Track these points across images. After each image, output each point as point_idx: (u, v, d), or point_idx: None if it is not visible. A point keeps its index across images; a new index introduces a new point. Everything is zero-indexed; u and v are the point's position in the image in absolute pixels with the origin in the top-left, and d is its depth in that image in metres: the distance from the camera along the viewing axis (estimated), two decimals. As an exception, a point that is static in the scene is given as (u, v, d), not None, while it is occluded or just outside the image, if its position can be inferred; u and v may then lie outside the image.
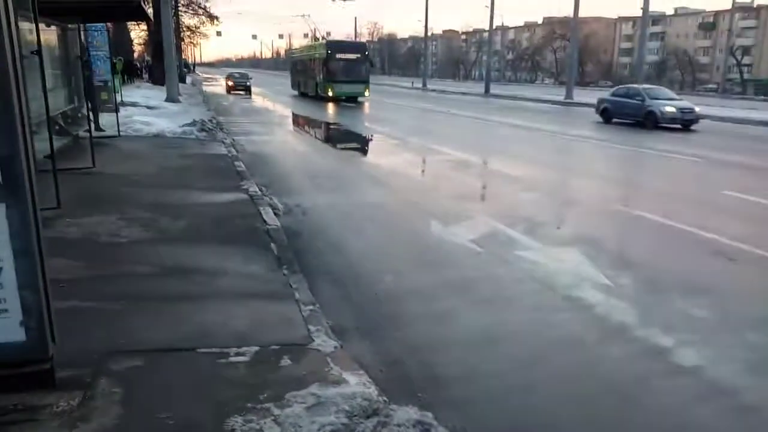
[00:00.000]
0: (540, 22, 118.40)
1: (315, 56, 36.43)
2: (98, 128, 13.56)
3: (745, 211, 8.70)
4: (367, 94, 33.86)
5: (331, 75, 33.01)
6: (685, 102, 22.67)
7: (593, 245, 6.69)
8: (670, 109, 21.25)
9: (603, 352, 4.23)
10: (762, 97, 63.09)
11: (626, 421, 3.42)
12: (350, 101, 32.74)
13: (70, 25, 11.11)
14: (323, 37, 44.91)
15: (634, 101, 22.21)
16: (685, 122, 21.23)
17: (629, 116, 22.49)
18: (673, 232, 7.39)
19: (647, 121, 21.37)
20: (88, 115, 10.47)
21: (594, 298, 5.14)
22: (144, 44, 55.05)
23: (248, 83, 40.93)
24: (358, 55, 34.37)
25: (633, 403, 3.59)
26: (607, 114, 23.55)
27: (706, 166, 13.23)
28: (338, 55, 33.52)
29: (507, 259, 6.20)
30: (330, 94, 32.86)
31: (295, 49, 53.03)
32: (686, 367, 4.02)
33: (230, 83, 42.02)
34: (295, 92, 41.68)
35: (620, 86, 27.18)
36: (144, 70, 51.14)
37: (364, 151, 14.87)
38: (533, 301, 5.15)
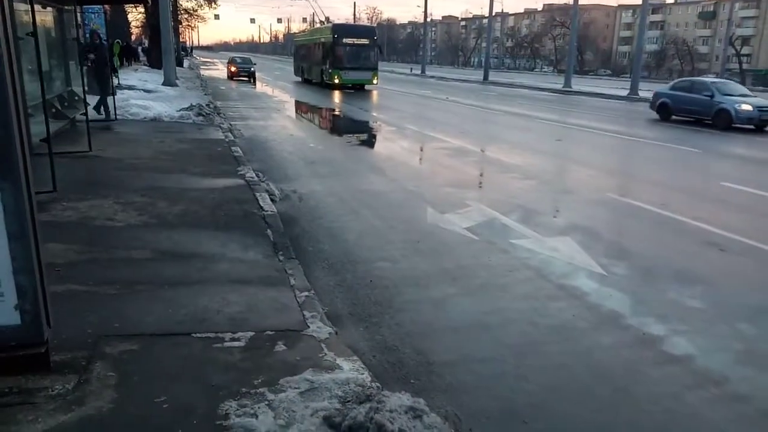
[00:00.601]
0: (540, 9, 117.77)
1: (320, 41, 34.58)
2: (108, 116, 13.48)
3: None
4: (375, 81, 32.23)
5: (337, 61, 31.18)
6: (761, 99, 19.65)
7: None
8: (746, 107, 18.41)
9: (595, 341, 4.27)
10: (761, 87, 63.06)
11: (617, 409, 3.46)
12: (355, 88, 31.68)
13: (66, 7, 11.00)
14: (325, 21, 42.88)
15: (701, 97, 19.41)
16: (761, 122, 18.48)
17: (694, 114, 19.88)
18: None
19: (718, 120, 18.70)
20: (85, 98, 10.38)
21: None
22: (141, 27, 54.57)
23: (252, 69, 37.97)
24: (367, 40, 32.39)
25: (624, 391, 3.62)
26: (666, 110, 20.80)
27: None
28: (345, 40, 31.65)
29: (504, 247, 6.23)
30: (336, 81, 31.19)
31: (299, 33, 51.42)
32: (677, 356, 4.06)
33: (233, 69, 38.96)
34: (298, 78, 40.62)
35: (682, 79, 25.13)
36: (141, 53, 50.76)
37: (361, 138, 14.81)
38: (528, 288, 5.18)
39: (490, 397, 3.50)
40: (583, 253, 6.03)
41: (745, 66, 78.48)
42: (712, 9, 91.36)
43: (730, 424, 3.34)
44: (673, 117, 20.56)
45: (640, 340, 4.28)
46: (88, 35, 15.51)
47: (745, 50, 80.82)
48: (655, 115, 21.42)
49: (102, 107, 13.50)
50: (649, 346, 4.20)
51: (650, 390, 3.64)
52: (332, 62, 31.40)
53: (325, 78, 32.79)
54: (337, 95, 28.06)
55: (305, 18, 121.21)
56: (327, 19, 43.49)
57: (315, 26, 55.52)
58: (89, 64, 13.20)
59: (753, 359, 4.10)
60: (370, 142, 14.31)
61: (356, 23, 41.33)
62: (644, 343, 4.23)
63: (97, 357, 3.41)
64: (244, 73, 37.70)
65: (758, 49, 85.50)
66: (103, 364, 3.33)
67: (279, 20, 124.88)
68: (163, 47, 22.87)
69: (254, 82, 36.27)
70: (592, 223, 7.39)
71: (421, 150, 13.43)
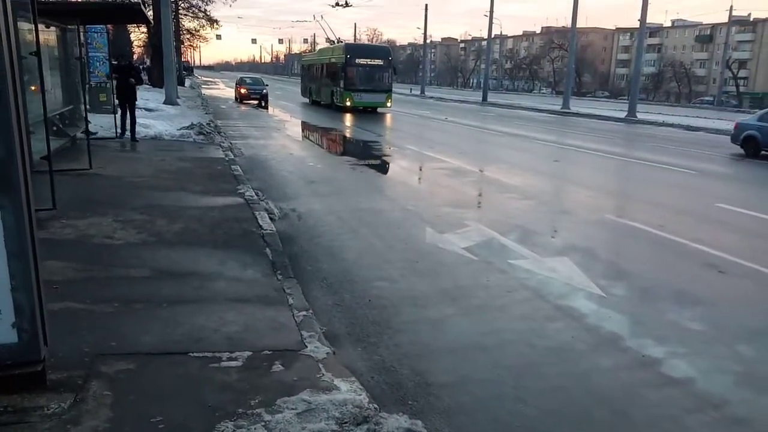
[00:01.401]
0: (538, 31, 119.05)
1: (331, 61, 32.53)
2: (133, 137, 13.65)
3: None
4: (389, 104, 30.58)
5: (349, 82, 29.39)
6: None
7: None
8: None
9: (594, 363, 4.25)
10: (757, 110, 63.54)
11: (614, 431, 3.43)
12: (366, 111, 29.91)
13: (69, 26, 11.12)
14: (335, 41, 39.93)
15: None
16: None
17: None
18: None
19: None
20: (86, 116, 10.45)
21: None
22: (144, 46, 55.05)
23: (264, 90, 32.73)
24: (381, 61, 30.72)
25: (622, 414, 3.60)
26: (754, 145, 17.76)
27: None
28: (359, 60, 29.86)
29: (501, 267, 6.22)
30: (348, 103, 29.20)
31: (306, 52, 50.44)
32: (676, 379, 4.04)
33: (242, 91, 34.10)
34: (306, 100, 38.06)
35: None
36: (143, 72, 51.04)
37: (361, 158, 14.86)
38: (525, 309, 5.17)
39: (489, 420, 3.47)
40: (582, 275, 6.03)
41: (742, 89, 79.21)
42: (708, 32, 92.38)
43: (729, 448, 3.32)
44: (763, 152, 17.70)
45: (639, 362, 4.27)
46: (120, 58, 15.99)
47: (742, 73, 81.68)
48: (735, 149, 18.73)
49: (131, 127, 13.68)
50: (648, 368, 4.18)
51: (649, 413, 3.61)
52: (344, 83, 29.54)
53: (335, 100, 30.97)
54: (341, 117, 27.33)
55: (306, 39, 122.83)
56: (338, 39, 41.23)
57: (318, 47, 54.92)
58: (124, 83, 13.44)
59: (752, 381, 4.08)
60: (369, 162, 14.34)
61: (370, 43, 39.54)
62: (643, 366, 4.21)
63: (93, 376, 3.39)
64: (255, 95, 32.96)
65: (755, 72, 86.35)
66: (99, 383, 3.31)
67: (280, 41, 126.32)
68: (165, 66, 23.08)
69: (266, 106, 31.66)
70: (593, 243, 7.40)
71: (420, 170, 13.48)
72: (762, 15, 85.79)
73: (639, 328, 4.88)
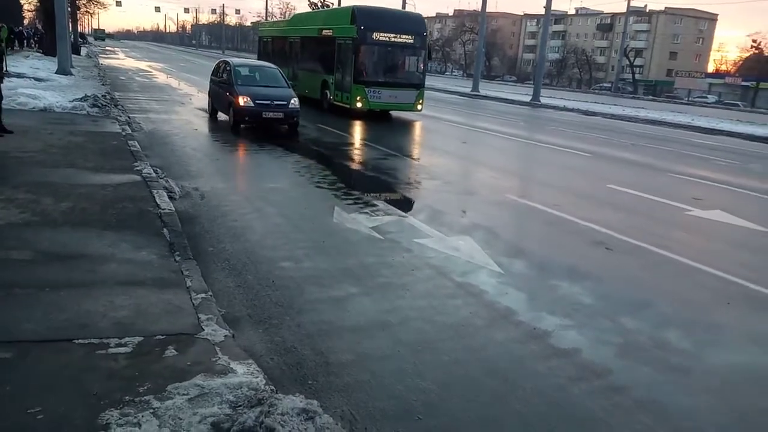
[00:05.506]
0: (451, 14, 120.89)
1: (323, 34, 20.91)
2: None
3: None
4: (419, 107, 19.93)
5: (362, 71, 18.47)
6: None
7: None
8: None
9: (489, 337, 4.42)
10: (650, 97, 68.17)
11: (506, 402, 3.60)
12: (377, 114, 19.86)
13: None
14: (322, 3, 27.42)
15: None
16: None
17: None
18: None
19: None
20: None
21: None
22: (35, 10, 50.80)
23: (293, 103, 14.09)
24: (411, 38, 19.18)
25: (513, 384, 3.78)
26: None
27: None
28: (377, 35, 18.57)
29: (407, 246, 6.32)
30: (359, 105, 18.51)
31: (275, 22, 35.55)
32: (564, 350, 4.28)
33: (242, 102, 13.56)
34: None
35: None
36: (34, 39, 47.28)
37: (269, 135, 14.48)
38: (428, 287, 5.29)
39: (387, 396, 3.53)
40: (483, 252, 6.23)
41: (637, 76, 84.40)
42: (609, 21, 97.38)
43: (608, 414, 3.56)
44: None
45: (530, 335, 4.49)
46: None
47: (638, 61, 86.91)
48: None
49: None
50: (538, 340, 4.40)
51: (537, 382, 3.81)
52: (353, 72, 18.47)
53: (332, 96, 19.90)
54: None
55: (215, 9, 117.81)
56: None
57: (225, 18, 46.65)
58: None
59: (632, 351, 4.39)
60: (278, 141, 14.03)
61: (391, 8, 22.26)
62: (534, 338, 4.43)
63: (-38, 367, 3.13)
64: (273, 113, 13.81)
65: (650, 60, 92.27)
66: (-31, 375, 3.06)
67: (186, 10, 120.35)
68: (58, 33, 21.41)
69: (296, 130, 14.42)
70: (494, 222, 7.66)
71: (334, 150, 13.37)
72: (657, 6, 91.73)
73: (532, 303, 5.13)
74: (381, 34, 18.59)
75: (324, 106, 20.34)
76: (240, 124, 13.99)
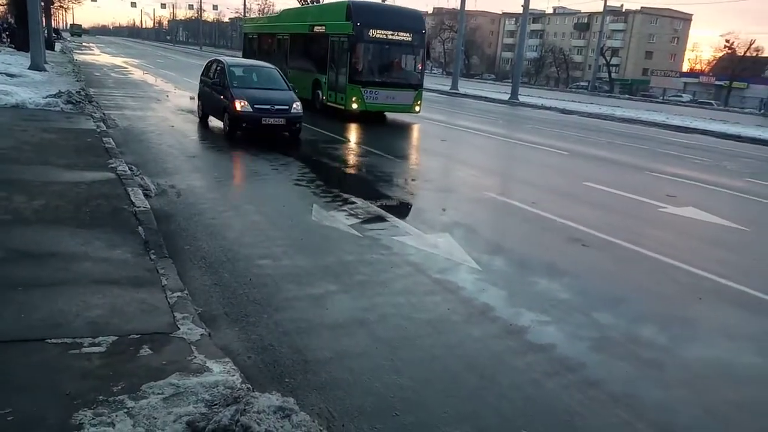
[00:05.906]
0: (430, 11, 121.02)
1: (315, 30, 20.08)
2: None
3: None
4: (418, 109, 19.00)
5: (358, 70, 17.66)
6: None
7: None
8: None
9: (467, 333, 4.45)
10: (626, 96, 69.09)
11: (482, 397, 3.62)
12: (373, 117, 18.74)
13: None
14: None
15: None
16: None
17: None
18: None
19: None
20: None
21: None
22: (6, 4, 49.65)
23: (296, 107, 12.79)
24: (410, 36, 18.24)
25: (490, 380, 3.81)
26: None
27: None
28: (374, 32, 17.63)
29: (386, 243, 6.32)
30: (354, 105, 17.69)
31: (262, 18, 33.13)
32: (540, 345, 4.33)
33: (238, 106, 12.13)
34: None
35: None
36: (5, 34, 46.23)
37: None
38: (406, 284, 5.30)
39: (364, 392, 3.53)
40: (461, 250, 6.26)
41: (613, 75, 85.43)
42: (586, 21, 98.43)
43: (583, 407, 3.61)
44: None
45: (507, 331, 4.52)
46: None
47: (614, 61, 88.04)
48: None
49: None
50: (515, 336, 4.44)
51: (513, 378, 3.85)
52: (349, 71, 17.59)
53: (325, 96, 19.15)
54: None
55: (192, 5, 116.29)
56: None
57: (203, 14, 45.62)
58: None
59: (606, 346, 4.46)
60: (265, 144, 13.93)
61: (388, 4, 22.51)
62: (511, 334, 4.47)
63: (-71, 369, 3.05)
64: (273, 119, 12.46)
65: (626, 59, 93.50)
66: (-64, 377, 2.99)
67: (163, 5, 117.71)
68: (31, 28, 20.97)
69: (298, 137, 13.25)
70: (473, 220, 7.70)
71: (313, 147, 13.31)
72: (633, 6, 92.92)
73: (510, 300, 5.17)
74: (378, 32, 17.67)
75: (316, 107, 19.37)
76: (236, 131, 12.52)
